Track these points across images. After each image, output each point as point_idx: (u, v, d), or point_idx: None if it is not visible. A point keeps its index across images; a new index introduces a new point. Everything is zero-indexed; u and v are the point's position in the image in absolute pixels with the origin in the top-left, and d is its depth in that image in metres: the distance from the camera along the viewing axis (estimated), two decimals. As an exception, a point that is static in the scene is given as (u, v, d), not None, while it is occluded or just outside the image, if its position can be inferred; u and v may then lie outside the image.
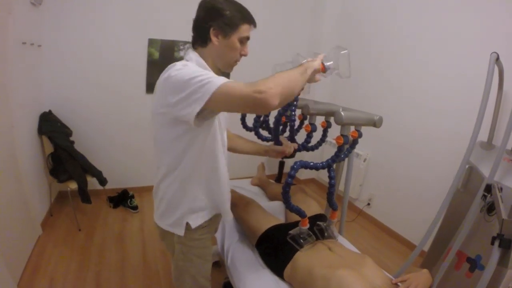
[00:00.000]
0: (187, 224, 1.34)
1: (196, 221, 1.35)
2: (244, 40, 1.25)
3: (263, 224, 1.73)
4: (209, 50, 1.23)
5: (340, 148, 1.40)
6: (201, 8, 1.21)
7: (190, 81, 1.02)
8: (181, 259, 1.41)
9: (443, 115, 2.78)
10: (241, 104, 1.05)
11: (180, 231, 1.35)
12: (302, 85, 1.17)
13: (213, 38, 1.19)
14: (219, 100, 1.01)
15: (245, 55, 1.29)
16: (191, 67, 1.10)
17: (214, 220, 1.48)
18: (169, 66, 1.15)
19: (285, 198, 1.39)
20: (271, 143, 1.81)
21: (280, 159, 3.95)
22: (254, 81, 1.00)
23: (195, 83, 1.01)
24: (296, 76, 1.12)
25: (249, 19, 1.23)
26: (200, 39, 1.23)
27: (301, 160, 1.35)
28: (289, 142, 1.74)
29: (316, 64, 1.23)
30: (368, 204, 3.62)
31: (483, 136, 2.15)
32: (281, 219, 1.89)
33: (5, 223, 2.13)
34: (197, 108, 1.01)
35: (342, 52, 1.28)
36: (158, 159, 1.36)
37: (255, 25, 1.27)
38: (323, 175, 4.37)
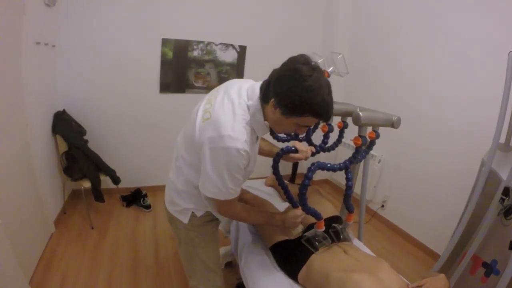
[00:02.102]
0: (192, 213, 1.44)
1: (200, 212, 1.46)
2: (303, 127, 1.19)
3: (279, 232, 1.71)
4: (267, 110, 1.17)
5: (357, 149, 1.38)
6: (286, 66, 1.11)
7: (226, 180, 1.17)
8: (190, 245, 1.50)
9: (459, 114, 2.71)
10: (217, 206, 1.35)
11: (185, 219, 1.45)
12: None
13: (271, 108, 1.14)
14: (214, 199, 1.25)
15: (296, 135, 1.39)
16: (232, 167, 1.15)
17: None
18: (225, 129, 1.12)
19: (302, 200, 1.37)
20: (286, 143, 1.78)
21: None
22: (235, 209, 1.36)
23: (226, 184, 1.18)
24: (258, 223, 1.51)
25: (320, 114, 1.11)
26: (264, 93, 1.16)
27: (318, 161, 1.33)
28: (305, 146, 1.71)
29: (291, 223, 1.52)
30: (382, 206, 3.57)
31: (500, 137, 2.10)
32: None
33: (19, 220, 2.15)
34: (203, 192, 1.26)
35: (339, 57, 1.53)
36: (182, 163, 1.37)
37: (327, 120, 1.19)
38: (336, 176, 4.32)
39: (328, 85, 1.10)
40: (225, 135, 1.10)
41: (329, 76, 1.54)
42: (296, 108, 1.07)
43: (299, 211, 1.49)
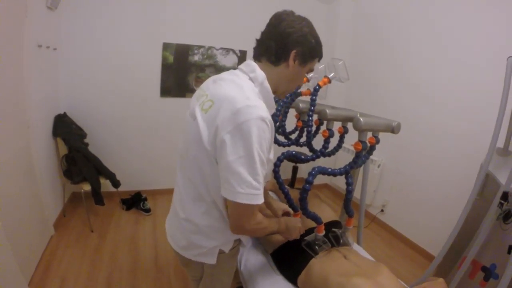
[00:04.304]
0: (220, 250, 1.25)
1: (228, 246, 1.28)
2: (308, 72, 1.23)
3: (279, 236, 1.71)
4: (280, 70, 1.14)
5: (358, 154, 1.38)
6: (284, 23, 1.10)
7: (256, 168, 0.97)
8: (210, 280, 1.36)
9: (459, 119, 2.73)
10: (233, 219, 1.07)
11: (212, 260, 1.25)
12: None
13: (291, 61, 1.11)
14: (240, 208, 1.01)
15: (299, 86, 1.32)
16: (261, 141, 0.96)
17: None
18: (239, 87, 1.05)
19: (302, 205, 1.37)
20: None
21: (294, 164, 3.94)
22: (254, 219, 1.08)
23: (257, 175, 0.98)
24: (273, 230, 1.26)
25: (321, 54, 1.21)
26: (275, 54, 1.12)
27: (319, 166, 1.33)
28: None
29: (292, 232, 1.37)
30: (382, 210, 3.57)
31: (499, 141, 2.11)
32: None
33: (19, 222, 2.15)
34: (228, 197, 1.00)
35: (340, 63, 1.50)
36: (192, 181, 1.17)
37: (320, 59, 1.25)
38: (336, 180, 4.33)
39: None
40: (241, 107, 0.96)
41: (330, 82, 1.55)
42: (313, 51, 1.14)
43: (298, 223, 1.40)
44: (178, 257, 1.35)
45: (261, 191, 1.00)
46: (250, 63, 1.15)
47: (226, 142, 0.95)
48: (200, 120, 1.06)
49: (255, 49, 1.18)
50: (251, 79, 1.11)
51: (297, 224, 1.38)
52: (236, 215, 1.05)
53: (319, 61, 1.22)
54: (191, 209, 1.19)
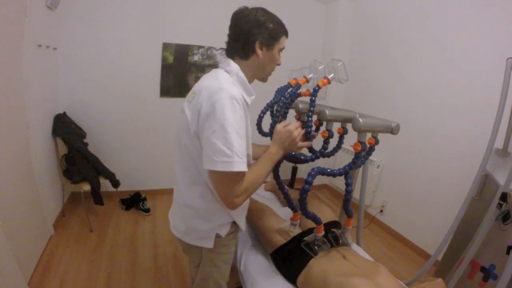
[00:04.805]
0: (217, 234, 1.33)
1: (224, 231, 1.35)
2: (281, 51, 1.32)
3: (278, 236, 1.72)
4: (251, 62, 1.27)
5: (357, 155, 1.39)
6: (242, 20, 1.23)
7: (230, 138, 1.06)
8: (208, 266, 1.41)
9: (458, 120, 2.74)
10: (220, 193, 1.17)
11: (210, 244, 1.33)
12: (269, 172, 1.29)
13: (258, 51, 1.24)
14: (220, 177, 1.12)
15: (279, 65, 1.35)
16: (232, 115, 1.09)
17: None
18: (215, 77, 1.20)
19: (302, 205, 1.37)
20: None
21: (293, 165, 3.94)
22: (245, 181, 1.15)
23: (231, 145, 1.06)
24: (268, 172, 1.28)
25: (286, 31, 1.31)
26: (242, 51, 1.25)
27: (318, 166, 1.34)
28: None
29: (289, 143, 1.33)
30: (381, 211, 3.58)
31: (498, 142, 2.12)
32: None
33: (18, 222, 2.15)
34: (208, 168, 1.10)
35: (339, 64, 1.51)
36: (187, 169, 1.28)
37: (287, 34, 1.33)
38: (335, 181, 4.34)
39: None
40: (214, 91, 1.12)
41: (329, 82, 1.55)
42: (274, 33, 1.25)
43: (290, 125, 1.33)
44: (180, 244, 1.45)
45: (237, 160, 1.08)
46: (226, 60, 1.30)
47: (204, 121, 1.10)
48: (187, 110, 1.20)
49: (226, 50, 1.32)
50: (227, 71, 1.25)
51: (292, 135, 1.31)
52: (219, 185, 1.15)
53: (287, 37, 1.32)
54: (188, 194, 1.30)
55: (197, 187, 1.26)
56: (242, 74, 1.25)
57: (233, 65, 1.25)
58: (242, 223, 1.45)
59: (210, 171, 1.13)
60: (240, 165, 1.08)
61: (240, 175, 1.12)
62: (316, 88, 1.56)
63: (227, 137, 1.06)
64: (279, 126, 1.33)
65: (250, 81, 1.30)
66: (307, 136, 1.53)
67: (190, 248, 1.40)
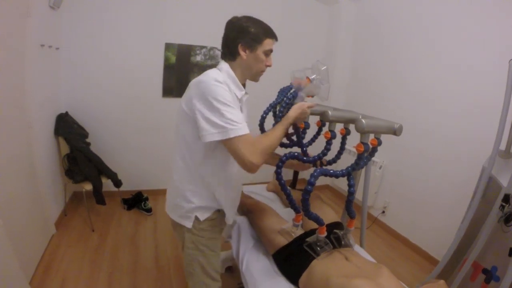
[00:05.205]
0: (196, 217, 1.45)
1: (204, 215, 1.47)
2: (268, 53, 1.42)
3: (280, 237, 1.72)
4: (238, 63, 1.41)
5: (360, 156, 1.38)
6: (229, 27, 1.42)
7: (220, 110, 1.21)
8: (191, 248, 1.49)
9: (460, 121, 2.73)
10: (236, 159, 1.27)
11: (189, 224, 1.46)
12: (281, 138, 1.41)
13: (242, 53, 1.38)
14: (228, 146, 1.25)
15: (269, 66, 1.45)
16: (217, 89, 1.24)
17: (223, 213, 1.55)
18: (204, 73, 1.34)
19: (304, 206, 1.37)
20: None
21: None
22: (256, 142, 1.27)
23: (223, 116, 1.21)
24: (281, 135, 1.38)
25: (271, 34, 1.41)
26: (229, 54, 1.42)
27: (321, 167, 1.34)
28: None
29: (300, 114, 1.46)
30: (383, 212, 3.57)
31: (501, 144, 2.11)
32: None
33: (20, 221, 2.16)
34: (208, 139, 1.24)
35: (323, 68, 1.58)
36: (180, 150, 1.44)
37: (276, 39, 1.45)
38: (337, 182, 4.32)
39: None
40: (200, 79, 1.29)
41: (311, 81, 1.59)
42: (256, 36, 1.36)
43: (304, 104, 1.49)
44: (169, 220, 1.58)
45: (231, 126, 1.21)
46: (220, 63, 1.46)
47: (196, 103, 1.24)
48: (182, 101, 1.35)
49: (220, 55, 1.50)
50: (218, 69, 1.41)
51: (303, 108, 1.46)
52: (233, 154, 1.27)
53: (276, 40, 1.44)
54: (179, 174, 1.46)
55: (186, 169, 1.43)
56: (231, 71, 1.40)
57: (224, 64, 1.42)
58: (230, 215, 1.57)
59: (224, 143, 1.26)
60: (235, 131, 1.21)
61: (243, 139, 1.23)
62: (291, 86, 1.63)
63: (217, 109, 1.21)
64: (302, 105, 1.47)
65: (241, 80, 1.43)
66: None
67: (175, 226, 1.53)
